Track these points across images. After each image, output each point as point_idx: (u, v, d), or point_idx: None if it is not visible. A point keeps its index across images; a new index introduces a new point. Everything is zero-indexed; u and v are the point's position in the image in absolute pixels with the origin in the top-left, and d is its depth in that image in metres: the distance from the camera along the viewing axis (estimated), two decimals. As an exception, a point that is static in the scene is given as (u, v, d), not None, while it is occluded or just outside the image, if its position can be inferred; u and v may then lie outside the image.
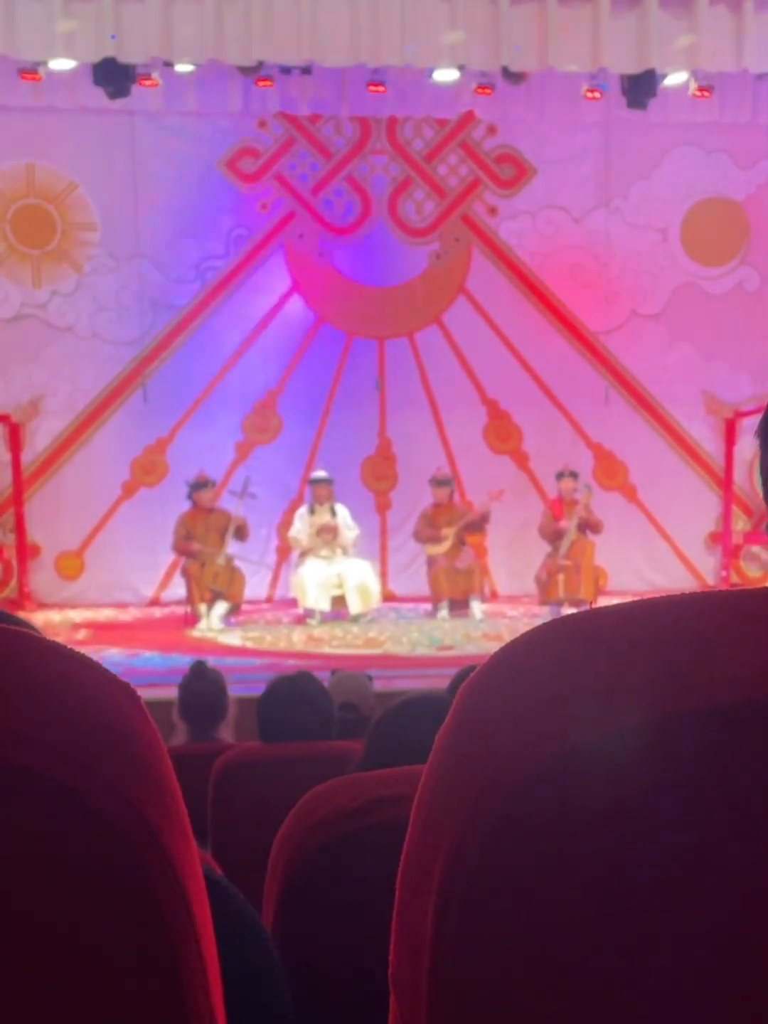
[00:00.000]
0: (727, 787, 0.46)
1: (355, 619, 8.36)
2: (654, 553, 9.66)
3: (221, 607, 8.30)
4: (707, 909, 0.46)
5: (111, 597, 9.24)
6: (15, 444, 9.06)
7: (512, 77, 7.86)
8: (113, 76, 7.48)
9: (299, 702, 2.93)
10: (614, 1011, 0.46)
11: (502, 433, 9.67)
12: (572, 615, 0.53)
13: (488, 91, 8.29)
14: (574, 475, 8.60)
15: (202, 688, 3.93)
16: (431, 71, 7.84)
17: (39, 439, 9.22)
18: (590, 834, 0.46)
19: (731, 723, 0.46)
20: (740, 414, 9.50)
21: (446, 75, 7.86)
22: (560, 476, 8.59)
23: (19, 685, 0.51)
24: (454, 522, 8.63)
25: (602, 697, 0.47)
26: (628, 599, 0.55)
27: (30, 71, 7.69)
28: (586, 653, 0.50)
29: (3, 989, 0.49)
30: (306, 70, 8.18)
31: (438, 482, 8.77)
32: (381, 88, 8.32)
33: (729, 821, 0.46)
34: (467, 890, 0.48)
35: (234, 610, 8.43)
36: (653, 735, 0.46)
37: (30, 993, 0.49)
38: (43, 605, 9.07)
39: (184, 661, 5.17)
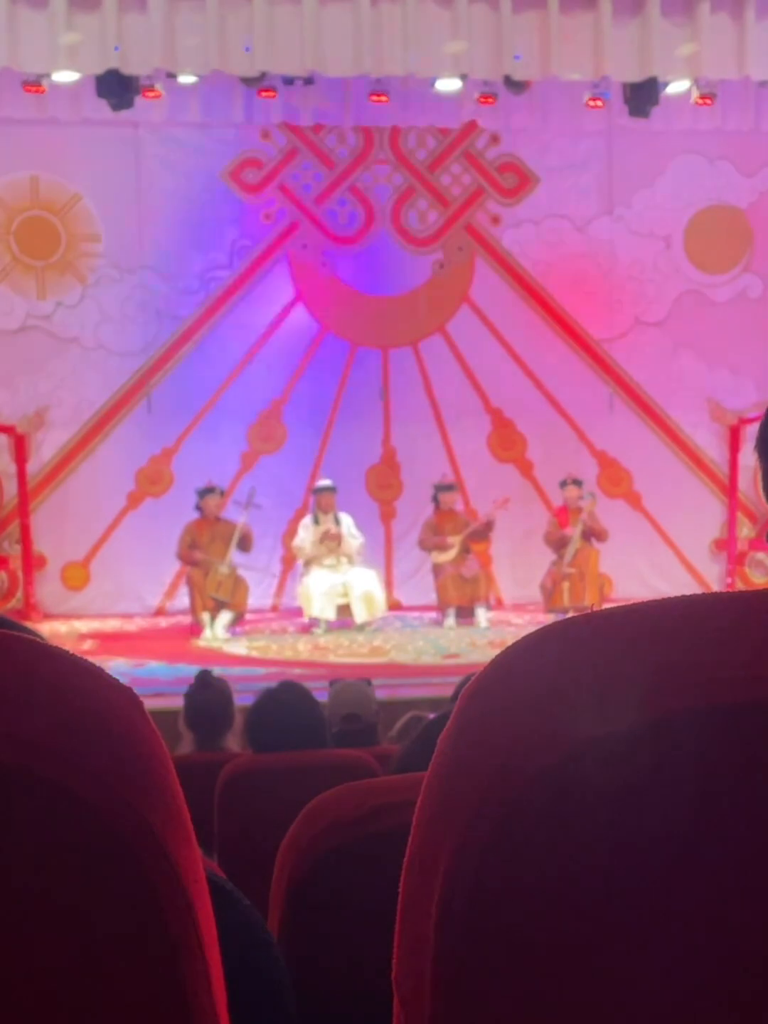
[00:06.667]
0: (727, 787, 0.46)
1: (360, 628, 8.35)
2: (659, 560, 9.64)
3: (225, 616, 8.30)
4: (708, 908, 0.46)
5: (117, 607, 9.23)
6: (21, 455, 9.07)
7: (514, 86, 7.86)
8: (116, 88, 7.51)
9: (285, 714, 2.93)
10: (616, 1009, 0.46)
11: (506, 441, 9.67)
12: (571, 618, 0.53)
13: (490, 100, 8.30)
14: (578, 483, 8.60)
15: (208, 697, 3.92)
16: (433, 81, 7.85)
17: (45, 450, 9.23)
18: (591, 834, 0.46)
19: (731, 723, 0.46)
20: (744, 421, 9.50)
21: (448, 85, 7.87)
22: (564, 484, 8.60)
23: (22, 690, 0.52)
24: (459, 530, 8.63)
25: (601, 697, 0.47)
26: (630, 604, 0.55)
27: (34, 83, 7.70)
28: (585, 654, 0.50)
29: (6, 990, 0.49)
30: (309, 81, 8.19)
31: (445, 488, 8.78)
32: (383, 98, 8.33)
33: (729, 821, 0.46)
34: (469, 891, 0.48)
35: (238, 619, 8.43)
36: (652, 735, 0.46)
37: (34, 995, 0.49)
38: (49, 616, 9.06)
39: (190, 671, 5.17)
